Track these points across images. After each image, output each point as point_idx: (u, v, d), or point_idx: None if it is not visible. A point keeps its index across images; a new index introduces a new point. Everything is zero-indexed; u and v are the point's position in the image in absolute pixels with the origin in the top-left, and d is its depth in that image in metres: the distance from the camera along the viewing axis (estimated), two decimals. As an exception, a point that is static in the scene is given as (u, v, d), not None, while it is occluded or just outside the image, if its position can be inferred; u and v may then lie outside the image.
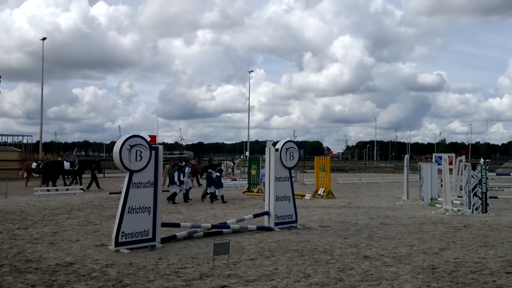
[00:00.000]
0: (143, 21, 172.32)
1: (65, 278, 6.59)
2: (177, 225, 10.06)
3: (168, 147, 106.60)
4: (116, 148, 8.52)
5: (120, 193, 9.15)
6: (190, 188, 19.21)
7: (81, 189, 21.27)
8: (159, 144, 9.49)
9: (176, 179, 17.26)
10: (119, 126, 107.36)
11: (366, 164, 76.82)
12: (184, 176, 17.96)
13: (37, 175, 26.85)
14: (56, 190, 20.84)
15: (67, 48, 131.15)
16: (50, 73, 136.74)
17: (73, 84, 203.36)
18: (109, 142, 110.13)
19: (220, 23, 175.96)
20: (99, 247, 8.86)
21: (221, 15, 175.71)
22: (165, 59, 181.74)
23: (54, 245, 9.03)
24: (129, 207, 8.52)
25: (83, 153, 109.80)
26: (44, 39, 44.86)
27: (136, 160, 8.57)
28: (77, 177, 23.60)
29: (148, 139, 9.03)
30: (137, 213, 8.61)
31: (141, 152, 8.63)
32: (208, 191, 17.99)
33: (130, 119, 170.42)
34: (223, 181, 18.21)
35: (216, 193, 17.64)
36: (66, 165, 22.92)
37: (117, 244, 8.36)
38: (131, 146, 8.53)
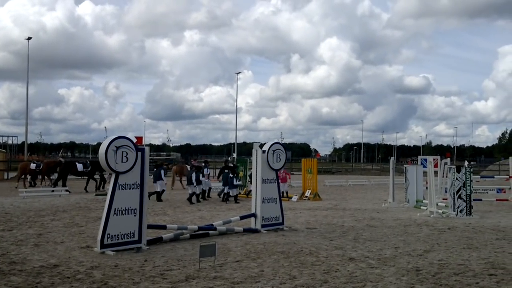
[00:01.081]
0: (130, 21, 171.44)
1: (50, 280, 6.54)
2: (164, 227, 10.03)
3: (155, 148, 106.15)
4: (102, 150, 8.48)
5: (106, 194, 9.09)
6: (210, 188, 19.86)
7: (67, 190, 21.10)
8: (146, 145, 9.44)
9: (194, 179, 17.91)
10: (105, 127, 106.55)
11: (353, 166, 77.28)
12: (203, 176, 18.80)
13: (37, 176, 26.61)
14: (55, 190, 20.70)
15: (53, 48, 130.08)
16: (35, 73, 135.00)
17: (58, 84, 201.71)
18: (95, 143, 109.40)
19: (207, 23, 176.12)
20: (84, 249, 8.79)
21: (209, 16, 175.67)
22: (152, 60, 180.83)
23: (38, 247, 8.94)
24: (115, 208, 8.48)
25: (69, 154, 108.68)
26: (29, 38, 44.34)
27: (122, 162, 8.53)
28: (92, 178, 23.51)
29: (134, 140, 8.98)
30: (123, 214, 8.56)
31: (127, 154, 8.59)
32: (225, 191, 18.60)
33: (117, 120, 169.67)
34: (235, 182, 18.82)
35: (230, 193, 18.32)
36: (79, 166, 23.20)
37: (103, 246, 8.30)
38: (117, 148, 8.49)
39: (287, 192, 20.62)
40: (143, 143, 9.30)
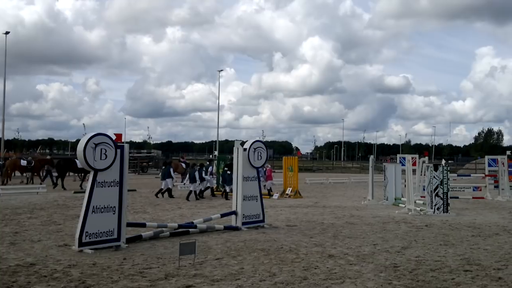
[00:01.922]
0: (111, 17, 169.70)
1: (26, 279, 6.43)
2: (143, 225, 9.95)
3: (136, 145, 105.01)
4: (80, 147, 8.36)
5: (84, 192, 8.99)
6: (210, 187, 20.02)
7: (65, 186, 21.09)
8: (126, 142, 9.36)
9: (197, 177, 18.39)
10: (84, 124, 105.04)
11: (333, 164, 77.91)
12: (206, 174, 19.27)
13: (26, 173, 26.34)
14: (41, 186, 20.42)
15: (31, 43, 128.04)
16: (13, 68, 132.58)
17: (37, 80, 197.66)
18: (74, 140, 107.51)
19: (190, 20, 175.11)
20: (62, 247, 8.67)
21: (191, 13, 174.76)
22: (133, 56, 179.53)
23: (14, 245, 8.78)
24: (93, 206, 8.38)
25: (47, 151, 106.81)
26: (7, 33, 43.50)
27: (100, 159, 8.44)
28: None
29: (114, 137, 8.89)
30: (102, 212, 8.47)
31: (106, 151, 8.50)
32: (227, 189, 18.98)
33: (97, 117, 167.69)
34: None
35: (227, 190, 18.59)
36: (78, 163, 22.75)
37: (81, 244, 8.21)
38: (96, 145, 8.38)
39: (271, 189, 20.76)
40: (122, 140, 9.21)
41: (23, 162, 25.13)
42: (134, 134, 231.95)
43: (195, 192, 18.58)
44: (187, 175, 19.83)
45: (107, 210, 8.56)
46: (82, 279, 6.47)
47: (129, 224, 9.41)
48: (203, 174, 18.82)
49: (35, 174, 25.67)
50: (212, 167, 21.30)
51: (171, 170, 19.12)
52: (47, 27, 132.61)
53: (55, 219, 12.39)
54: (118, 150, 8.74)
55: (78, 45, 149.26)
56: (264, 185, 20.11)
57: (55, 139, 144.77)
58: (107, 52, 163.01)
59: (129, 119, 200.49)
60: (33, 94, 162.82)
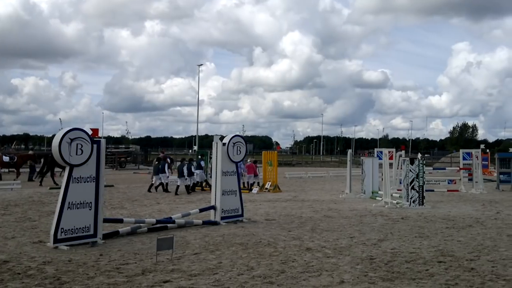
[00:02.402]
0: (88, 9, 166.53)
1: (-1, 277, 6.31)
2: (120, 221, 9.87)
3: (114, 140, 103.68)
4: (55, 142, 8.23)
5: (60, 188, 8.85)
6: (198, 182, 20.14)
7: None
8: (103, 137, 9.24)
9: (185, 172, 18.60)
10: (60, 119, 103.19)
11: (312, 159, 78.45)
12: (201, 168, 19.86)
13: (9, 169, 26.21)
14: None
15: (6, 36, 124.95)
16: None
17: (12, 73, 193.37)
18: (50, 135, 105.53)
19: (169, 14, 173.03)
20: (37, 244, 8.54)
21: (170, 6, 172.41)
22: (111, 50, 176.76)
23: (-13, 243, 8.61)
24: (69, 202, 8.27)
25: (22, 146, 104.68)
26: (-21, 25, 42.35)
27: (76, 154, 8.31)
28: None
29: (90, 132, 8.77)
30: (78, 208, 8.37)
31: (82, 146, 8.38)
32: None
33: (74, 112, 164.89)
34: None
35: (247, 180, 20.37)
36: None
37: (56, 240, 8.09)
38: (71, 140, 8.26)
39: (258, 183, 21.09)
40: (99, 135, 9.09)
41: (5, 158, 24.84)
42: (112, 129, 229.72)
43: (187, 186, 18.87)
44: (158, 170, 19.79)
45: (83, 206, 8.45)
46: (57, 276, 6.38)
47: (106, 220, 9.32)
48: (193, 169, 19.02)
49: (16, 169, 25.50)
50: (204, 162, 21.35)
51: (166, 165, 19.34)
52: (22, 19, 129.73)
53: (30, 215, 12.18)
54: (95, 145, 8.62)
55: (54, 39, 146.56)
56: (243, 181, 20.35)
57: (31, 134, 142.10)
58: (84, 45, 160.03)
59: (107, 113, 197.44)
60: (8, 88, 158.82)
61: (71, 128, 8.48)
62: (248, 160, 22.91)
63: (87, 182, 8.54)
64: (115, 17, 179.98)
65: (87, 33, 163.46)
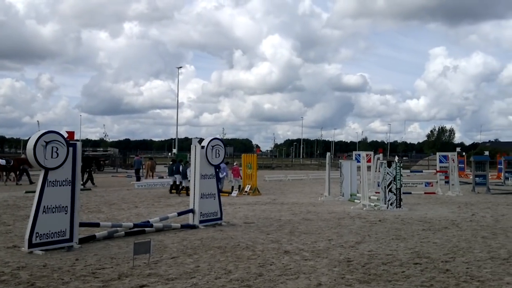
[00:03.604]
0: (65, 10, 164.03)
1: (-30, 283, 6.16)
2: (97, 225, 9.73)
3: (92, 143, 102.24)
4: (30, 145, 8.08)
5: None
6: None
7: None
8: (79, 140, 9.11)
9: (188, 174, 18.68)
10: (38, 121, 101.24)
11: (292, 162, 78.76)
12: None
13: (6, 173, 26.17)
14: None
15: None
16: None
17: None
18: (27, 138, 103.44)
19: (148, 15, 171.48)
20: (11, 249, 8.36)
21: (149, 7, 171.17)
22: (89, 52, 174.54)
23: (-41, 248, 8.39)
24: (44, 206, 8.12)
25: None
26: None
27: (52, 157, 8.18)
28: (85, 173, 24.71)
29: (66, 135, 8.64)
30: (53, 212, 8.22)
31: (57, 149, 8.25)
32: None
33: (51, 114, 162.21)
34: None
35: (233, 184, 21.04)
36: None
37: (31, 245, 7.93)
38: (47, 143, 8.12)
39: (239, 186, 21.32)
40: (75, 138, 8.96)
41: (2, 161, 24.91)
42: (91, 131, 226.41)
43: (177, 185, 20.13)
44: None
45: (59, 210, 8.31)
46: (31, 281, 6.26)
47: (82, 224, 9.18)
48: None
49: (12, 172, 25.91)
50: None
51: (188, 169, 19.70)
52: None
53: (4, 219, 11.92)
54: (70, 148, 8.50)
55: (31, 40, 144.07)
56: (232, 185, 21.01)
57: (7, 137, 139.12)
58: (62, 47, 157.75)
59: (84, 116, 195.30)
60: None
61: (46, 130, 8.34)
62: (235, 164, 23.12)
63: (63, 185, 8.40)
64: (93, 18, 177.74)
65: (64, 34, 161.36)
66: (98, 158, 31.21)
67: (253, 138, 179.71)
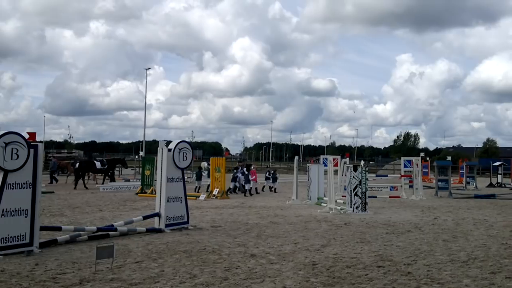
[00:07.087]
0: (27, 7, 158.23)
1: None
2: (59, 229, 9.49)
3: (56, 145, 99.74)
4: (-12, 146, 7.81)
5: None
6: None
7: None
8: (42, 142, 8.86)
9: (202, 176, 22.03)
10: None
11: (262, 165, 78.81)
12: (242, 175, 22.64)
13: None
14: None
15: None
16: None
17: None
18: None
19: (115, 14, 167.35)
20: (-34, 254, 8.04)
21: (116, 5, 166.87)
22: (53, 51, 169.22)
23: None
24: (3, 209, 7.86)
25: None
26: None
27: (11, 159, 7.93)
28: (108, 175, 26.52)
29: (27, 136, 8.39)
30: (12, 216, 7.96)
31: (17, 151, 8.00)
32: (245, 188, 22.19)
33: (13, 114, 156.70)
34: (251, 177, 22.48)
35: (246, 187, 22.01)
36: (97, 164, 25.70)
37: (-12, 250, 7.66)
38: (6, 144, 7.87)
39: (207, 189, 21.91)
40: (38, 139, 8.72)
41: None
42: (55, 133, 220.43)
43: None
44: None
45: (19, 213, 8.06)
46: (-14, 288, 6.04)
47: (43, 228, 8.94)
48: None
49: None
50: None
51: (249, 174, 22.22)
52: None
53: (-39, 224, 11.45)
54: (31, 150, 8.26)
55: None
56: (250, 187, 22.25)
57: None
58: (24, 45, 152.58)
59: (48, 117, 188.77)
60: None
61: (5, 131, 8.08)
62: (252, 167, 24.50)
63: (23, 188, 8.15)
64: (57, 15, 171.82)
65: (27, 32, 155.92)
66: (123, 159, 31.68)
67: (222, 141, 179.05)
